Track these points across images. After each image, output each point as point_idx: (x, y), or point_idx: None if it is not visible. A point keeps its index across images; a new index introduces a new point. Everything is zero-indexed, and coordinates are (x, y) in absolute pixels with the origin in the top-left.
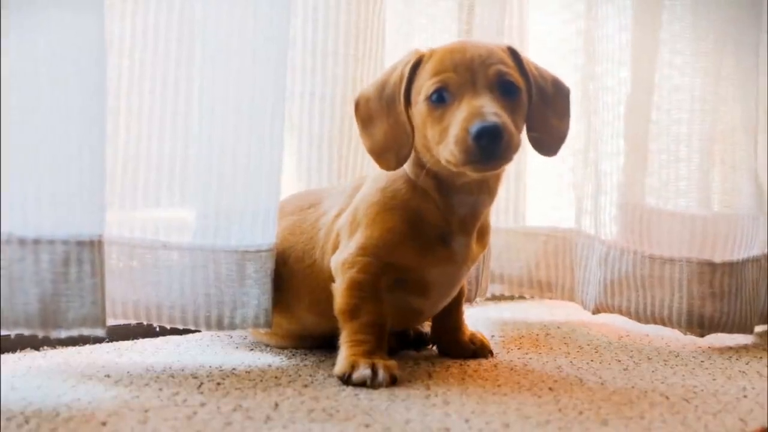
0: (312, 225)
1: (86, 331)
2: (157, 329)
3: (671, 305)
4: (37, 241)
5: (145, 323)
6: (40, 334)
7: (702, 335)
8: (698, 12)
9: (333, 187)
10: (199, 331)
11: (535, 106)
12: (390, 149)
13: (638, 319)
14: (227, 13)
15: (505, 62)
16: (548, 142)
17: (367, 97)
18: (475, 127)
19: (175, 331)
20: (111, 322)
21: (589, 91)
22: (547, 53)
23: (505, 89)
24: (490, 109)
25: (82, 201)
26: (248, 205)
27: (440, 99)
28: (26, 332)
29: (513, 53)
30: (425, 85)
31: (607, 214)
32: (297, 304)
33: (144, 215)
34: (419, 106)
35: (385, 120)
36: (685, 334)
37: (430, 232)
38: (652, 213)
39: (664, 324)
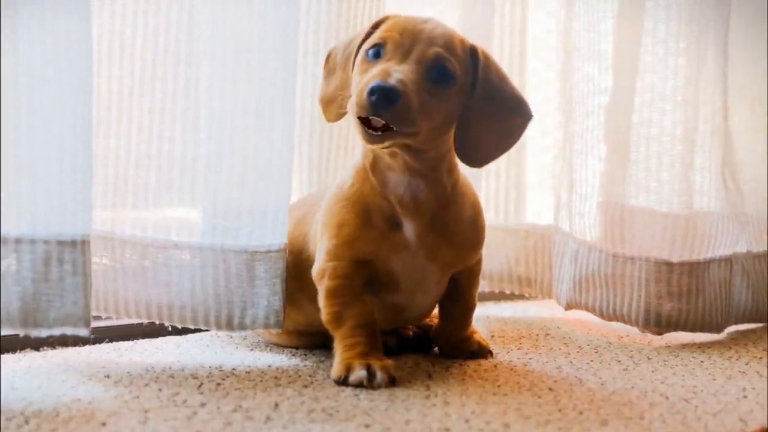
0: (311, 219)
1: (68, 331)
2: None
3: (631, 303)
4: (18, 240)
5: (157, 323)
6: (21, 333)
7: (659, 333)
8: (682, 14)
9: None
10: (201, 330)
11: (475, 111)
12: (334, 101)
13: (602, 317)
14: (235, 11)
15: (451, 51)
16: (471, 150)
17: (337, 50)
18: (373, 83)
19: (175, 331)
20: (125, 321)
21: (566, 92)
22: (546, 53)
23: (437, 74)
24: (398, 74)
25: (64, 201)
26: (257, 205)
27: (376, 55)
28: (7, 331)
29: (472, 52)
30: (370, 39)
31: (578, 211)
32: (302, 296)
33: (156, 215)
34: (358, 58)
35: (341, 72)
36: (643, 332)
37: (377, 217)
38: (619, 211)
39: (624, 322)
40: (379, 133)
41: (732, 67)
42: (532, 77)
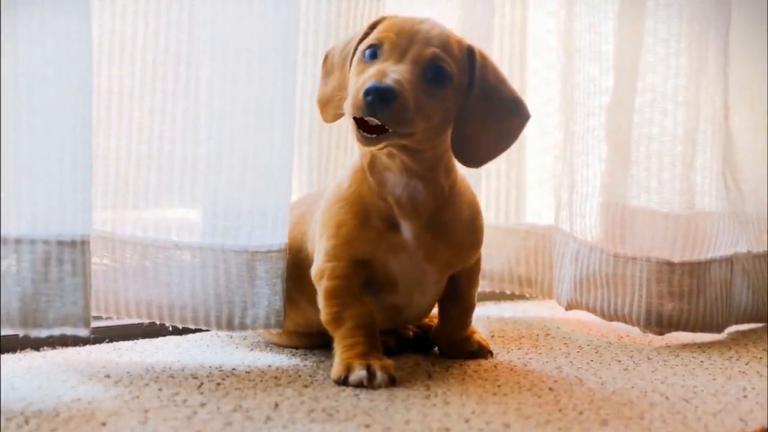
0: (309, 219)
1: (68, 331)
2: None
3: (632, 303)
4: (18, 241)
5: (157, 323)
6: (21, 333)
7: (661, 333)
8: (682, 14)
9: None
10: (201, 330)
11: (472, 112)
12: (332, 102)
13: (603, 317)
14: (235, 11)
15: (448, 51)
16: (468, 151)
17: (335, 50)
18: (369, 83)
19: (175, 331)
20: (125, 321)
21: (567, 93)
22: (546, 53)
23: (434, 74)
24: (394, 74)
25: (64, 201)
26: (257, 204)
27: (372, 55)
28: (7, 331)
29: (469, 52)
30: (367, 40)
31: (579, 211)
32: (300, 296)
33: (156, 215)
34: (355, 59)
35: (339, 73)
36: (644, 332)
37: (375, 218)
38: (620, 211)
39: (625, 322)
40: (374, 136)
41: (732, 66)
42: (532, 78)
